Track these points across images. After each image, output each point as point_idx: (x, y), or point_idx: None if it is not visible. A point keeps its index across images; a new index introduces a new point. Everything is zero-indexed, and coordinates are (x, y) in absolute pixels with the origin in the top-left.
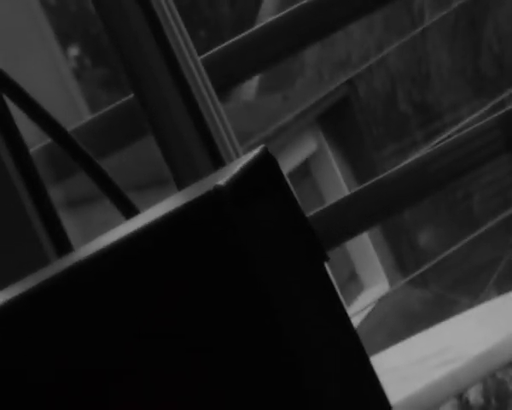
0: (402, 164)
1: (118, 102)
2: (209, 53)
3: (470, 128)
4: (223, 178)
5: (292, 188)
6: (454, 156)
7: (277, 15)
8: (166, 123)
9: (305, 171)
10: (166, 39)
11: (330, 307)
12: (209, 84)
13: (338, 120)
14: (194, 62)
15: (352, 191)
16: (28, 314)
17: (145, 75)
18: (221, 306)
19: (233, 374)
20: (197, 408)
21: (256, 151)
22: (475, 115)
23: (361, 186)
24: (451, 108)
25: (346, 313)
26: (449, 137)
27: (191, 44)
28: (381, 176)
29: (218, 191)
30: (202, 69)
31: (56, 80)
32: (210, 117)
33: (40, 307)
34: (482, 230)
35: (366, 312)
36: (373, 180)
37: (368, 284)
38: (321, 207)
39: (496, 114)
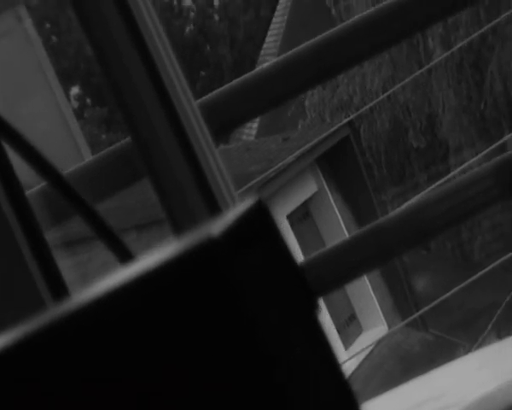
0: (397, 210)
1: (114, 146)
2: (206, 97)
3: (465, 175)
4: (217, 229)
5: (285, 237)
6: (449, 204)
7: (273, 61)
8: (162, 167)
9: (305, 212)
10: (163, 84)
11: (323, 357)
12: (205, 128)
13: (339, 162)
14: (190, 107)
15: (347, 238)
16: (22, 361)
17: (142, 119)
18: (216, 356)
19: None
20: None
21: (249, 201)
22: (478, 157)
23: (355, 233)
24: (456, 149)
25: (337, 363)
26: (450, 179)
27: (188, 89)
28: (375, 222)
29: (212, 243)
30: (198, 113)
31: (58, 120)
32: (205, 161)
33: (34, 355)
34: (482, 273)
35: (364, 354)
36: (367, 227)
37: (367, 326)
38: (320, 251)
39: (491, 162)
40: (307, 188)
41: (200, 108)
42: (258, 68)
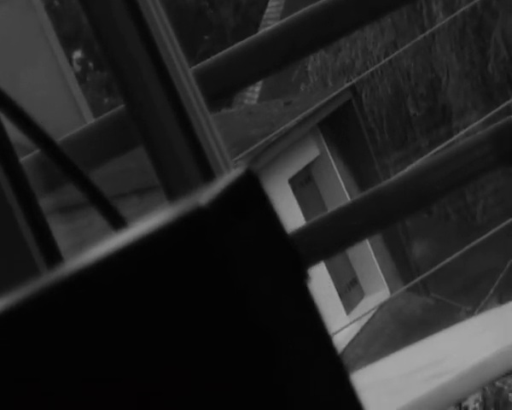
0: (396, 176)
1: (110, 112)
2: (201, 64)
3: (463, 141)
4: (205, 198)
5: (274, 206)
6: (447, 170)
7: (273, 26)
8: (156, 134)
9: (307, 176)
10: (158, 51)
11: (313, 326)
12: (200, 95)
13: (341, 126)
14: (184, 74)
15: (348, 202)
16: (13, 328)
17: (136, 86)
18: (206, 323)
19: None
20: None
21: (239, 171)
22: (481, 121)
23: (356, 197)
24: (458, 113)
25: (327, 330)
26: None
27: (182, 56)
28: (375, 187)
29: (200, 212)
30: (193, 81)
31: (60, 84)
32: (200, 128)
33: (27, 322)
34: (484, 237)
35: (366, 318)
36: (367, 191)
37: (368, 291)
38: (321, 215)
39: (489, 128)
40: (309, 152)
41: (195, 74)
42: (254, 35)
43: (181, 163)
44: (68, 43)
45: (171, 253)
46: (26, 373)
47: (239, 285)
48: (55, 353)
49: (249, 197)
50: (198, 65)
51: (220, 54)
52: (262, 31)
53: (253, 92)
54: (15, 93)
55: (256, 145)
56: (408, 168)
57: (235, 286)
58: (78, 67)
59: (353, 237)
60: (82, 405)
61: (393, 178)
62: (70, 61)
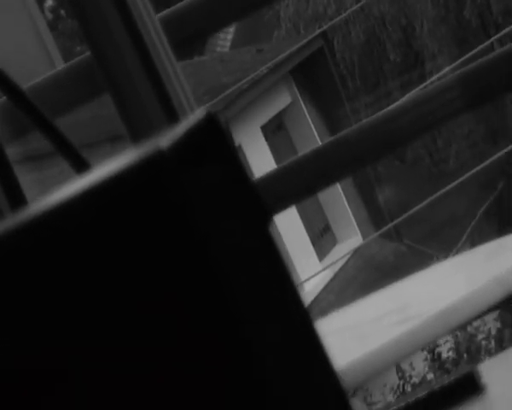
0: (364, 121)
1: (75, 60)
2: (167, 10)
3: (431, 86)
4: (165, 141)
5: (235, 148)
6: (415, 114)
7: None
8: (123, 80)
9: (279, 123)
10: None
11: (275, 272)
12: (165, 41)
13: (313, 74)
14: (150, 20)
15: (315, 147)
16: None
17: (102, 33)
18: (166, 269)
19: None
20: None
21: (200, 114)
22: (454, 65)
23: (323, 143)
24: (432, 59)
25: (291, 279)
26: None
27: (148, 3)
28: (343, 132)
29: (159, 155)
30: (159, 27)
31: (32, 32)
32: (166, 74)
33: None
34: (455, 183)
35: (339, 265)
36: (335, 137)
37: (341, 237)
38: (290, 160)
39: (456, 73)
40: (281, 99)
41: (161, 21)
42: None
43: (146, 109)
44: None
45: (129, 196)
46: None
47: (198, 228)
48: (13, 298)
49: (209, 141)
50: (164, 12)
51: (180, 3)
52: None
53: (225, 40)
54: None
55: (228, 91)
56: (377, 114)
57: (194, 229)
58: (49, 15)
59: (322, 181)
60: (41, 347)
61: (361, 122)
62: (42, 8)
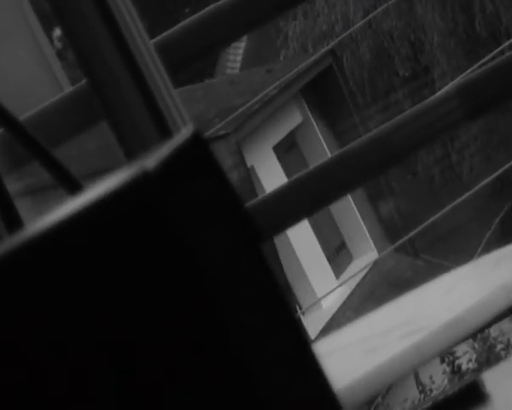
0: (365, 136)
1: (72, 88)
2: (161, 36)
3: (430, 98)
4: (151, 162)
5: (221, 166)
6: (415, 126)
7: None
8: (118, 107)
9: (291, 143)
10: (118, 26)
11: (264, 285)
12: (160, 65)
13: (323, 91)
14: (145, 46)
15: (313, 167)
16: None
17: (96, 59)
18: (154, 283)
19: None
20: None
21: (186, 133)
22: (462, 76)
23: (321, 162)
24: (442, 74)
25: (281, 293)
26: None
27: (142, 29)
28: (343, 149)
29: (144, 177)
30: (154, 52)
31: (41, 62)
32: (162, 100)
33: None
34: (468, 194)
35: (356, 281)
36: (335, 154)
37: (357, 254)
38: (299, 174)
39: (454, 83)
40: (292, 119)
41: (156, 46)
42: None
43: (142, 133)
44: (49, 20)
45: (117, 218)
46: None
47: (185, 243)
48: (7, 315)
49: (195, 158)
50: (158, 37)
51: (179, 25)
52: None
53: (235, 62)
54: None
55: (237, 112)
56: (377, 128)
57: (181, 244)
58: (58, 44)
59: (333, 195)
60: (40, 359)
61: (362, 138)
62: (50, 38)
